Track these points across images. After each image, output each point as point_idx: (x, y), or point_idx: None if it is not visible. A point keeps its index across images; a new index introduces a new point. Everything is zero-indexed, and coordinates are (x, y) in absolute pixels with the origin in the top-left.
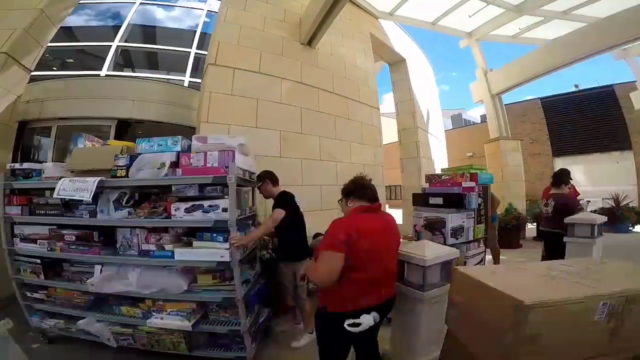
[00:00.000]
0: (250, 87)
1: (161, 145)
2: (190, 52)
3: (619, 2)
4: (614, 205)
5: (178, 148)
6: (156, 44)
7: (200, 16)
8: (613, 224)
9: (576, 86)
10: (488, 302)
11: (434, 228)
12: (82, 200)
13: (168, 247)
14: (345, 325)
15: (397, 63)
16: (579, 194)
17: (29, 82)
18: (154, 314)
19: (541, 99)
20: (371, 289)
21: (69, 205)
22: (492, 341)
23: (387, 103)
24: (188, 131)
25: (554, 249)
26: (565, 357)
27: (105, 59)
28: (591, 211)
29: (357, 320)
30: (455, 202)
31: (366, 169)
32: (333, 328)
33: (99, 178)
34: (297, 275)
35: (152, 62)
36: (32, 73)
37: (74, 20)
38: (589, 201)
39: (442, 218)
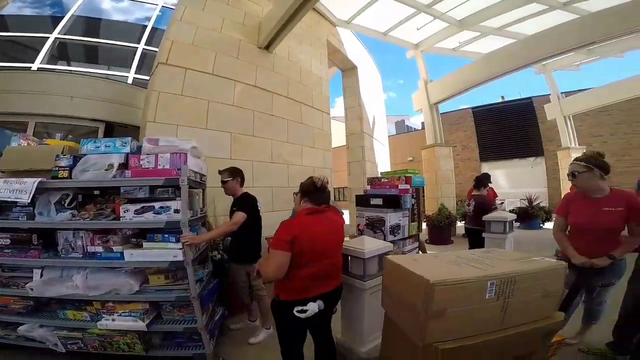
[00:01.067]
0: (202, 88)
1: (108, 146)
2: (137, 47)
3: (543, 21)
4: (527, 205)
5: (127, 150)
6: (100, 38)
7: (153, 9)
8: (527, 222)
9: (502, 98)
10: (408, 284)
11: (375, 227)
12: (16, 202)
13: (117, 248)
14: (294, 312)
15: (349, 70)
16: (497, 196)
17: None
18: (104, 316)
19: (472, 108)
20: (317, 281)
21: (1, 208)
22: (412, 317)
23: (340, 107)
24: (132, 130)
25: (475, 244)
26: (468, 331)
27: (39, 51)
28: (509, 210)
29: (304, 307)
30: (393, 202)
31: (316, 171)
32: (285, 314)
33: (39, 179)
34: (252, 275)
35: (93, 56)
36: None
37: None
38: (502, 202)
39: (382, 217)
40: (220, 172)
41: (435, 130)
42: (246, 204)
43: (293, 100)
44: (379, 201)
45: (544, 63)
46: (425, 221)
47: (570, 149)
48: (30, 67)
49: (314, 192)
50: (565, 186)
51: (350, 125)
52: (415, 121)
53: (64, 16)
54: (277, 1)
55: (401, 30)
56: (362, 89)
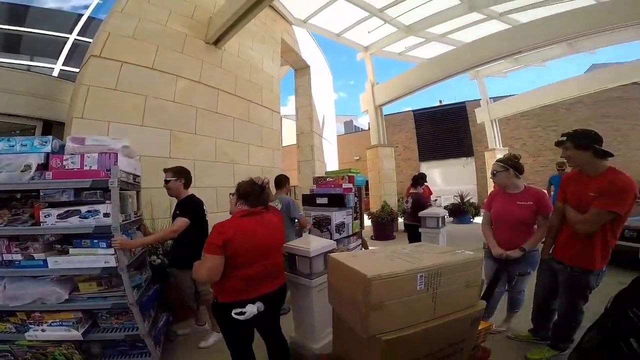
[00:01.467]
0: (139, 83)
1: (25, 145)
2: (68, 37)
3: (481, 29)
4: (459, 201)
5: (47, 149)
6: (25, 26)
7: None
8: (459, 217)
9: (440, 101)
10: (349, 279)
11: (322, 225)
12: None
13: (38, 255)
14: (232, 314)
15: (302, 69)
16: (432, 193)
17: None
18: (31, 326)
19: (414, 111)
20: (255, 282)
21: None
22: (355, 311)
23: (292, 105)
24: (55, 127)
25: (414, 238)
26: (406, 321)
27: None
28: (444, 206)
29: (242, 310)
30: (338, 201)
31: (264, 170)
32: (225, 317)
33: None
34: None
35: (14, 45)
36: None
37: None
38: (436, 199)
39: (327, 216)
40: (165, 171)
41: (379, 131)
42: (189, 208)
43: (241, 97)
44: (324, 200)
45: (477, 69)
46: (369, 218)
47: (495, 150)
48: None
49: (251, 194)
50: (492, 184)
51: (301, 125)
52: (362, 122)
53: None
54: None
55: (354, 33)
56: (313, 89)
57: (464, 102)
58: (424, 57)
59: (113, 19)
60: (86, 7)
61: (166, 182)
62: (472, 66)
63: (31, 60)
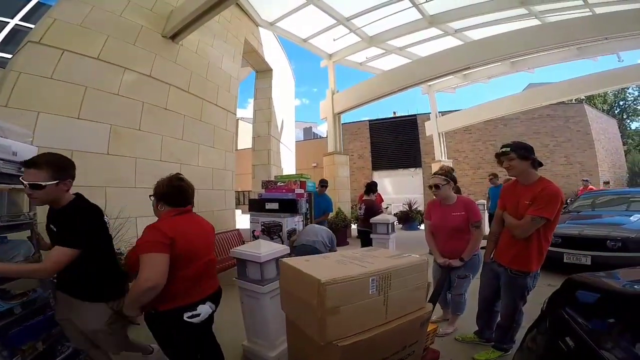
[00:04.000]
0: (79, 73)
1: None
2: (8, 22)
3: (437, 45)
4: (408, 209)
5: None
6: None
7: None
8: (408, 223)
9: (394, 113)
10: (303, 284)
11: (272, 232)
12: None
13: None
14: (185, 318)
15: (264, 72)
16: (383, 200)
17: None
18: None
19: (369, 121)
20: (200, 282)
21: None
22: (311, 317)
23: (251, 108)
24: None
25: (366, 243)
26: (360, 326)
27: None
28: (394, 214)
29: (195, 312)
30: (290, 207)
31: (215, 173)
32: (175, 325)
33: None
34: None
35: None
36: None
37: None
38: (387, 207)
39: (278, 222)
40: (26, 166)
41: (336, 139)
42: (73, 225)
43: (194, 95)
44: (274, 205)
45: (429, 84)
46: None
47: (441, 161)
48: None
49: (170, 193)
50: None
51: (258, 128)
52: (322, 129)
53: None
54: None
55: (320, 40)
56: (274, 93)
57: (415, 115)
58: (383, 69)
59: (62, 5)
60: None
61: (33, 186)
62: (426, 79)
63: None
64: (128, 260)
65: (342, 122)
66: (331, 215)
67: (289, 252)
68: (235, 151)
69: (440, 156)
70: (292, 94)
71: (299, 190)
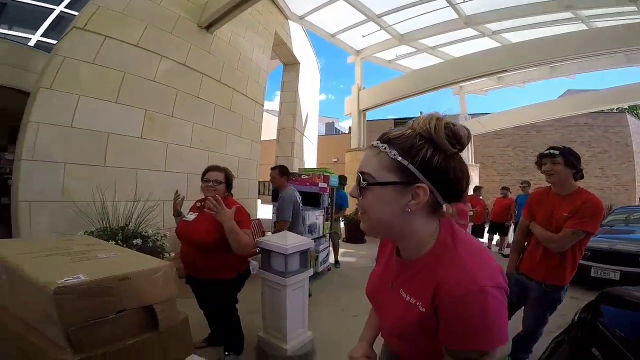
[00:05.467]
0: (119, 59)
1: None
2: (54, 9)
3: (471, 46)
4: None
5: None
6: None
7: None
8: None
9: (421, 113)
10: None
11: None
12: None
13: None
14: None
15: (291, 65)
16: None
17: None
18: None
19: (395, 119)
20: None
21: None
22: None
23: (276, 100)
24: (18, 96)
25: None
26: None
27: None
28: None
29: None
30: (313, 200)
31: (241, 162)
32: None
33: None
34: None
35: None
36: None
37: None
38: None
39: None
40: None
41: (360, 136)
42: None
43: (225, 85)
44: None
45: (461, 85)
46: (342, 220)
47: (470, 166)
48: None
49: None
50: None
51: (283, 120)
52: (344, 125)
53: None
54: None
55: (348, 35)
56: (300, 86)
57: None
58: (413, 67)
59: None
60: None
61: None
62: (458, 80)
63: (9, 29)
64: (201, 234)
65: (366, 119)
66: (350, 212)
67: (313, 245)
68: (260, 141)
69: (467, 160)
70: (317, 89)
71: (322, 184)
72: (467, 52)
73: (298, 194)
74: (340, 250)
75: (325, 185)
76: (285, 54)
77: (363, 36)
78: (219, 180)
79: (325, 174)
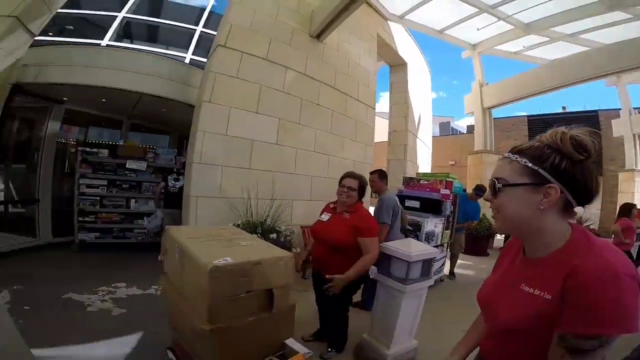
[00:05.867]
0: (255, 73)
1: None
2: (196, 29)
3: (624, 30)
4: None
5: None
6: (160, 18)
7: None
8: None
9: (564, 108)
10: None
11: (408, 230)
12: None
13: None
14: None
15: (398, 65)
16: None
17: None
18: None
19: (528, 116)
20: None
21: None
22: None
23: (382, 102)
24: (186, 108)
25: None
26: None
27: (106, 28)
28: None
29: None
30: (434, 207)
31: (356, 165)
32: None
33: None
34: None
35: (153, 35)
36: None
37: None
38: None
39: (418, 221)
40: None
41: (485, 136)
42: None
43: (339, 91)
44: (415, 204)
45: (619, 75)
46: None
47: (634, 171)
48: (100, 44)
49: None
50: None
51: (394, 122)
52: (460, 124)
53: None
54: None
55: (459, 30)
56: (410, 87)
57: (596, 111)
58: (547, 58)
59: (233, 10)
60: (204, 3)
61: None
62: (610, 72)
63: (166, 49)
64: (339, 235)
65: (492, 117)
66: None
67: (438, 254)
68: (372, 145)
69: (633, 164)
70: (429, 87)
71: (444, 191)
72: (619, 39)
73: (397, 198)
74: (458, 262)
75: (447, 191)
76: (391, 55)
77: (478, 29)
78: (353, 187)
79: (447, 179)
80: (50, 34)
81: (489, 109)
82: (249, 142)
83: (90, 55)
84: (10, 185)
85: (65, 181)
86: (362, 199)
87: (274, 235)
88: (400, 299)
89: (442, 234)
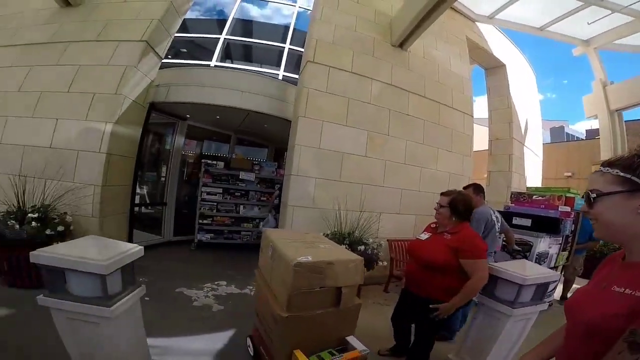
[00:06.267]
0: (342, 86)
1: None
2: (284, 47)
3: None
4: None
5: None
6: (253, 38)
7: (292, 14)
8: None
9: None
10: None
11: (515, 250)
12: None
13: None
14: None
15: (494, 68)
16: None
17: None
18: None
19: None
20: None
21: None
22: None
23: (476, 107)
24: (283, 123)
25: None
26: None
27: (210, 50)
28: None
29: None
30: (549, 226)
31: (452, 178)
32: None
33: None
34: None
35: (248, 54)
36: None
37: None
38: None
39: (528, 241)
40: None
41: (615, 142)
42: None
43: (430, 99)
44: (525, 222)
45: None
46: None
47: None
48: (209, 64)
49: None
50: None
51: (496, 129)
52: (577, 128)
53: (226, 19)
54: (408, 0)
55: (564, 25)
56: (512, 90)
57: None
58: None
59: (316, 26)
60: (289, 22)
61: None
62: None
63: (260, 67)
64: (434, 255)
65: (623, 120)
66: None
67: (557, 278)
68: (471, 155)
69: None
70: (534, 90)
71: (563, 208)
72: None
73: (495, 213)
74: (574, 286)
75: (568, 209)
76: (484, 58)
77: (588, 23)
78: (441, 204)
79: (568, 195)
80: (169, 56)
81: (617, 110)
82: (340, 154)
83: (205, 76)
84: (144, 190)
85: (183, 188)
86: (466, 219)
87: (361, 247)
88: (503, 322)
89: (558, 255)
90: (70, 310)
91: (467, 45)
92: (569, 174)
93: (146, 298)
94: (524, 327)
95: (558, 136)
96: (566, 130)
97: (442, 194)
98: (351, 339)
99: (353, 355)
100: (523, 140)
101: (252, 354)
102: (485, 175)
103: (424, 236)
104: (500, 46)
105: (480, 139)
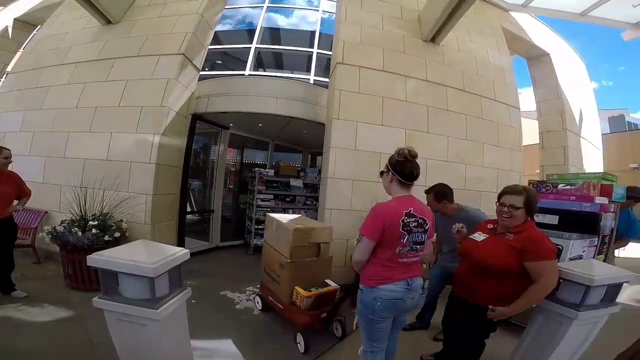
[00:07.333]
0: (375, 85)
1: None
2: (312, 51)
3: None
4: None
5: None
6: (281, 45)
7: (317, 20)
8: None
9: None
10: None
11: None
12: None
13: None
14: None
15: (537, 58)
16: None
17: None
18: None
19: None
20: None
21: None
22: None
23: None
24: (317, 127)
25: None
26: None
27: (242, 60)
28: None
29: None
30: (583, 223)
31: (500, 174)
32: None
33: None
34: None
35: (279, 61)
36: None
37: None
38: None
39: (557, 245)
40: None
41: None
42: None
43: (471, 93)
44: (551, 219)
45: None
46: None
47: None
48: (243, 74)
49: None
50: None
51: (546, 121)
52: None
53: (255, 29)
54: None
55: (607, 9)
56: (560, 79)
57: None
58: None
59: (342, 28)
60: (315, 27)
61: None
62: None
63: (292, 73)
64: (494, 257)
65: None
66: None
67: (630, 279)
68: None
69: None
70: (586, 78)
71: (600, 199)
72: None
73: None
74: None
75: (605, 200)
76: (525, 48)
77: (634, 6)
78: (515, 205)
79: (603, 181)
80: (206, 69)
81: None
82: (377, 155)
83: (242, 85)
84: (191, 198)
85: (226, 195)
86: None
87: None
88: (566, 327)
89: (594, 258)
90: (120, 312)
91: (505, 36)
92: (635, 165)
93: (192, 300)
94: (590, 332)
95: (618, 126)
96: (627, 119)
97: (506, 192)
98: (328, 281)
99: (329, 289)
100: (579, 131)
101: (260, 307)
102: (538, 171)
103: (480, 237)
104: (540, 35)
105: (529, 133)
